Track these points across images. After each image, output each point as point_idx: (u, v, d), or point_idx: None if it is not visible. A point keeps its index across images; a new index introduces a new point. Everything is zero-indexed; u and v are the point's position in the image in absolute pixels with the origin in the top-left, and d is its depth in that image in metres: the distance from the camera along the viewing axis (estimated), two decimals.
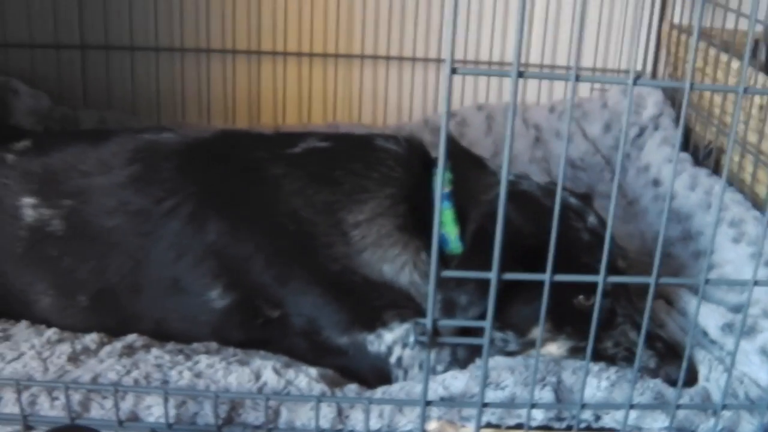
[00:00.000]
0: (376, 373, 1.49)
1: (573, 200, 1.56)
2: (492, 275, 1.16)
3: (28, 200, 1.59)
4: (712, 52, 2.16)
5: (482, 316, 1.36)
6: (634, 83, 1.17)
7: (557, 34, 2.61)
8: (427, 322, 1.18)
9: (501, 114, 2.52)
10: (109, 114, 2.53)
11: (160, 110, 2.64)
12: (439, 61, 2.64)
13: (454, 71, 1.09)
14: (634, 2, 2.60)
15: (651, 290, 1.24)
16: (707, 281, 1.25)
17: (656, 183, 2.21)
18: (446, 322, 1.35)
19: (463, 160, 1.59)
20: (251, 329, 1.53)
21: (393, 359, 1.48)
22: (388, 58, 2.63)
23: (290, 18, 2.59)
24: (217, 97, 2.65)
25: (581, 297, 1.46)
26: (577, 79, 1.16)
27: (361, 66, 2.64)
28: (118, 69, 2.61)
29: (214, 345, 1.54)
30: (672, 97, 2.42)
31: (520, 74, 1.12)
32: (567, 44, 2.61)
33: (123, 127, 1.77)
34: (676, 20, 2.52)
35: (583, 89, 2.61)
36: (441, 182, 1.10)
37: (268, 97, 2.66)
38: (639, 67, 2.63)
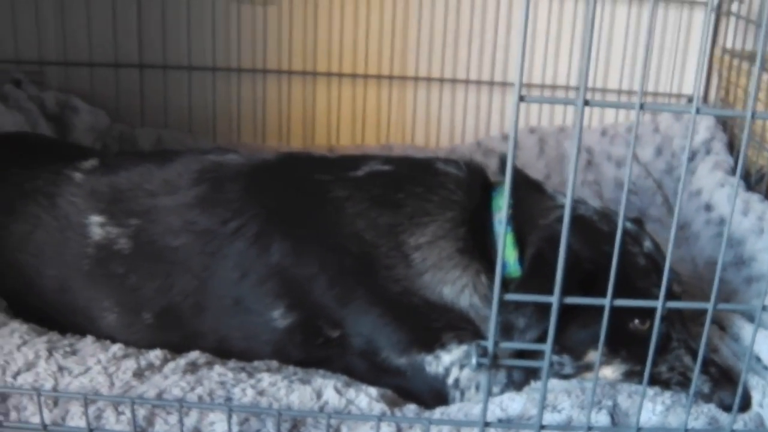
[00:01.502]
0: (433, 394, 1.50)
1: (629, 225, 1.57)
2: (554, 299, 1.18)
3: (95, 218, 1.62)
4: (766, 77, 2.16)
5: (538, 339, 1.38)
6: (698, 112, 1.18)
7: (609, 57, 2.62)
8: (489, 344, 1.19)
9: (553, 137, 2.54)
10: (165, 132, 2.58)
11: (215, 129, 2.69)
12: (492, 83, 2.66)
13: (521, 99, 1.11)
14: (686, 27, 2.60)
15: (708, 316, 1.24)
16: (765, 308, 1.25)
17: (708, 208, 2.21)
18: (507, 345, 1.36)
19: (521, 184, 1.60)
20: (311, 348, 1.55)
21: (450, 380, 1.49)
22: (441, 80, 2.66)
23: (346, 40, 2.63)
24: (272, 117, 2.69)
25: (637, 321, 1.47)
26: (642, 107, 1.18)
27: (414, 88, 2.67)
28: (176, 88, 2.66)
29: (274, 363, 1.55)
30: (723, 122, 2.42)
31: (586, 102, 1.14)
32: (619, 67, 2.63)
33: (188, 149, 1.81)
34: (729, 45, 2.52)
35: (632, 112, 2.62)
36: (507, 210, 1.12)
37: (323, 118, 2.70)
38: (690, 91, 2.64)
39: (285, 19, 2.61)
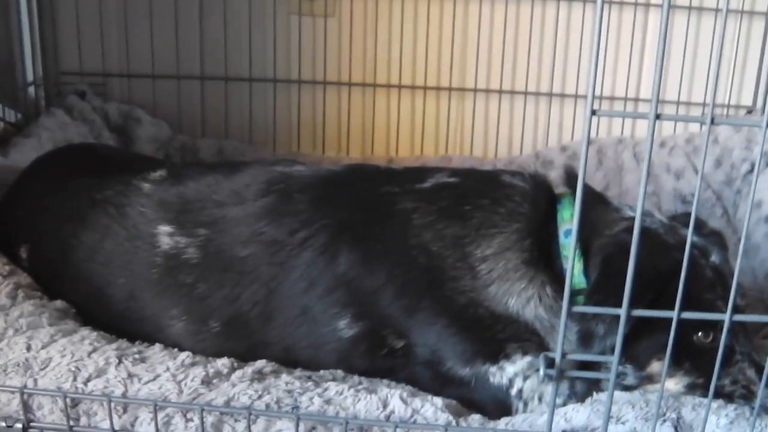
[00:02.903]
0: (496, 405, 1.51)
1: (696, 238, 1.57)
2: (622, 311, 1.18)
3: (164, 228, 1.65)
4: None
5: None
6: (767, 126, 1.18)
7: (668, 67, 2.61)
8: (556, 355, 1.20)
9: (611, 148, 2.54)
10: (226, 143, 2.63)
11: (275, 140, 2.73)
12: (550, 95, 2.67)
13: (594, 113, 1.12)
14: (745, 37, 2.59)
15: None
16: None
17: None
18: (572, 356, 1.37)
19: (586, 196, 1.61)
20: (375, 358, 1.57)
21: (514, 391, 1.50)
22: (500, 91, 2.67)
23: (405, 51, 2.65)
24: (331, 128, 2.72)
25: (701, 334, 1.46)
26: (713, 122, 1.18)
27: (473, 99, 2.68)
28: (236, 99, 2.71)
29: (340, 372, 1.57)
30: None
31: (658, 116, 1.15)
32: (677, 78, 2.62)
33: (255, 160, 1.83)
34: None
35: (693, 124, 2.62)
36: (577, 225, 1.13)
37: (382, 129, 2.72)
38: (749, 102, 2.63)
39: (345, 31, 2.64)
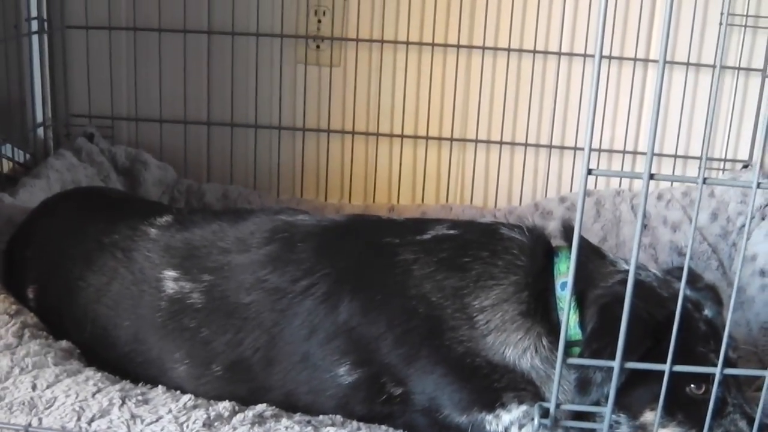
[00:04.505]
0: None
1: (690, 292, 1.60)
2: (615, 364, 1.22)
3: (169, 273, 1.69)
4: None
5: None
6: (758, 186, 1.22)
7: (666, 122, 2.66)
8: (551, 405, 1.23)
9: (609, 200, 2.57)
10: (231, 188, 2.66)
11: (279, 186, 2.76)
12: (550, 147, 2.71)
13: (590, 172, 1.16)
14: (741, 93, 2.63)
15: (766, 383, 1.27)
16: None
17: (763, 273, 2.23)
18: (566, 406, 1.41)
19: (582, 249, 1.64)
20: (374, 404, 1.59)
21: None
22: (500, 143, 2.71)
23: (408, 102, 2.71)
24: (334, 176, 2.76)
25: (693, 386, 1.49)
26: (705, 182, 1.22)
27: (474, 150, 2.72)
28: (242, 145, 2.75)
29: (339, 418, 1.59)
30: None
31: (652, 176, 1.19)
32: (675, 132, 2.66)
33: (259, 208, 1.87)
34: None
35: (691, 174, 2.66)
36: (572, 278, 1.16)
37: (384, 177, 2.76)
38: (745, 156, 2.67)
39: (349, 80, 2.69)
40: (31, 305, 1.84)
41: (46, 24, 2.62)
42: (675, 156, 2.67)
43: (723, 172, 2.67)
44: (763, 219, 2.39)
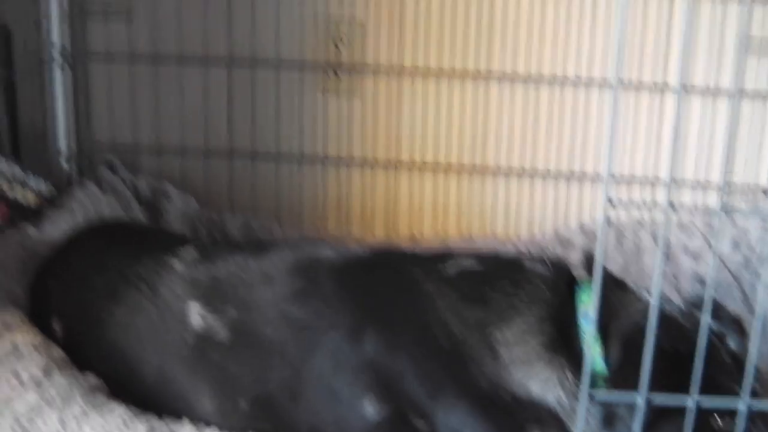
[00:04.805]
0: None
1: (712, 323, 1.60)
2: (640, 398, 1.22)
3: (195, 307, 1.70)
4: None
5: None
6: None
7: (685, 148, 2.66)
8: None
9: (630, 229, 2.57)
10: (253, 220, 2.67)
11: (302, 218, 2.77)
12: (570, 176, 2.72)
13: (610, 201, 1.17)
14: (760, 119, 2.64)
15: None
16: None
17: None
18: None
19: (605, 281, 1.65)
20: None
21: None
22: (521, 172, 2.72)
23: (428, 132, 2.72)
24: (356, 207, 2.77)
25: (717, 419, 1.49)
26: (726, 212, 1.23)
27: (494, 180, 2.73)
28: (264, 176, 2.76)
29: None
30: None
31: (672, 206, 1.20)
32: (694, 158, 2.67)
33: (283, 241, 1.88)
34: None
35: (711, 202, 2.66)
36: (595, 310, 1.17)
37: (406, 208, 2.77)
38: (765, 182, 2.66)
39: (369, 110, 2.71)
40: (57, 338, 1.85)
41: (69, 55, 2.64)
42: (695, 183, 2.67)
43: (743, 199, 2.67)
44: None
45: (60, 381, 1.69)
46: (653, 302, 1.20)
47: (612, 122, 1.09)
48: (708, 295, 1.26)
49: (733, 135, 1.24)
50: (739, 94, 2.55)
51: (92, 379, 1.74)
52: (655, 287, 1.19)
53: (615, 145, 2.58)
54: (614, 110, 1.10)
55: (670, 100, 2.63)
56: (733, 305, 2.33)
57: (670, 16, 2.60)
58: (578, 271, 1.69)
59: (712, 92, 2.64)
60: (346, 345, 1.60)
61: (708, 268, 2.45)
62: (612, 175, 2.60)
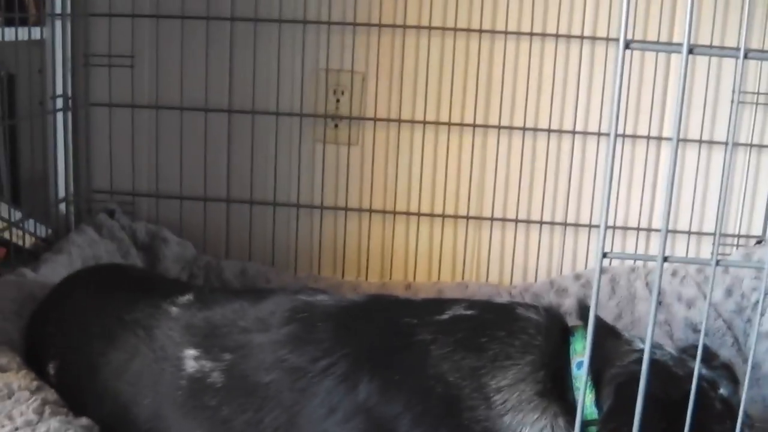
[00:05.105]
0: None
1: (705, 371, 1.61)
2: None
3: (190, 352, 1.70)
4: None
5: None
6: None
7: (679, 197, 2.69)
8: None
9: (624, 277, 2.58)
10: (249, 265, 2.69)
11: (296, 263, 2.79)
12: (564, 224, 2.74)
13: (605, 255, 1.19)
14: (754, 170, 2.66)
15: None
16: None
17: None
18: None
19: (598, 329, 1.66)
20: None
21: None
22: (516, 220, 2.74)
23: (424, 181, 2.74)
24: (351, 253, 2.78)
25: None
26: (718, 263, 1.25)
27: (490, 227, 2.75)
28: (260, 223, 2.79)
29: None
30: None
31: (666, 259, 1.21)
32: (689, 208, 2.69)
33: (279, 288, 1.90)
34: None
35: (705, 251, 2.68)
36: (588, 357, 1.18)
37: (400, 255, 2.78)
38: (759, 232, 2.68)
39: (367, 159, 2.73)
40: (52, 381, 1.85)
41: (70, 101, 2.68)
42: (689, 232, 2.69)
43: (737, 248, 2.69)
44: None
45: (54, 424, 1.68)
46: (646, 350, 1.20)
47: (609, 175, 1.11)
48: (700, 342, 1.27)
49: (725, 187, 1.26)
50: (732, 144, 2.59)
51: (86, 421, 1.73)
52: (648, 335, 1.20)
53: (610, 195, 2.63)
54: (609, 174, 1.12)
55: (666, 151, 2.66)
56: (726, 352, 2.35)
57: (667, 71, 2.64)
58: (572, 319, 1.71)
59: (707, 143, 2.67)
60: (341, 390, 1.60)
61: (701, 316, 2.46)
62: (607, 227, 2.63)
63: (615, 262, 2.70)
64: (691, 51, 1.12)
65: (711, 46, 2.59)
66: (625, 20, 1.10)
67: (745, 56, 1.13)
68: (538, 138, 2.69)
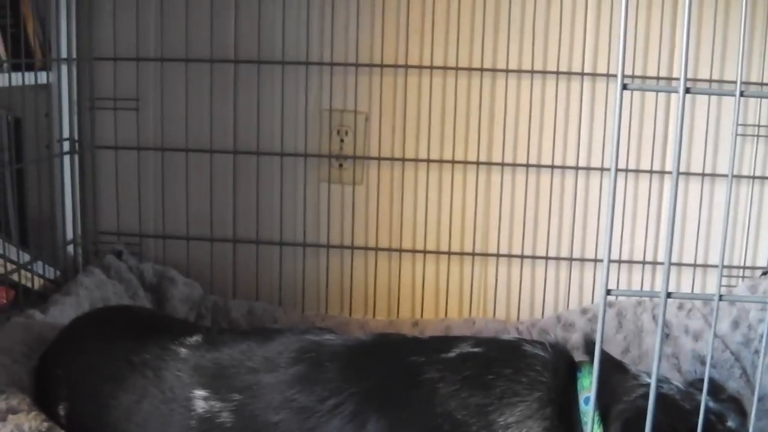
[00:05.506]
0: None
1: (712, 404, 1.62)
2: None
3: (199, 392, 1.71)
4: None
5: None
6: None
7: (684, 231, 2.70)
8: None
9: (631, 310, 2.59)
10: (256, 305, 2.70)
11: (304, 302, 2.81)
12: (571, 260, 2.75)
13: (608, 293, 1.20)
14: (758, 201, 2.68)
15: None
16: None
17: None
18: None
19: (605, 363, 1.66)
20: None
21: None
22: (521, 256, 2.75)
23: (430, 218, 2.76)
24: (358, 291, 2.80)
25: None
26: (721, 298, 1.26)
27: (496, 264, 2.76)
28: (267, 263, 2.80)
29: None
30: None
31: (669, 295, 1.22)
32: (693, 241, 2.70)
33: (287, 328, 1.90)
34: None
35: (710, 283, 2.69)
36: (594, 393, 1.19)
37: (407, 293, 2.80)
38: (764, 263, 2.69)
39: (372, 198, 2.75)
40: (62, 423, 1.85)
41: (76, 144, 2.70)
42: (695, 265, 2.70)
43: (743, 279, 2.70)
44: None
45: None
46: (652, 384, 1.21)
47: (610, 210, 1.12)
48: (707, 375, 1.27)
49: (727, 218, 1.27)
50: (732, 176, 2.60)
51: None
52: (653, 369, 1.21)
53: (615, 229, 2.63)
54: (611, 201, 1.14)
55: (669, 185, 2.67)
56: (735, 384, 2.35)
57: (668, 105, 2.66)
58: (578, 354, 1.71)
59: (709, 176, 2.69)
60: (349, 430, 1.60)
61: (707, 348, 2.46)
62: (611, 261, 2.64)
63: (621, 297, 2.71)
64: (688, 90, 1.14)
65: (710, 80, 2.61)
66: (622, 63, 1.12)
67: (742, 94, 1.15)
68: (541, 174, 2.71)
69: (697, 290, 2.70)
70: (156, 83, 2.77)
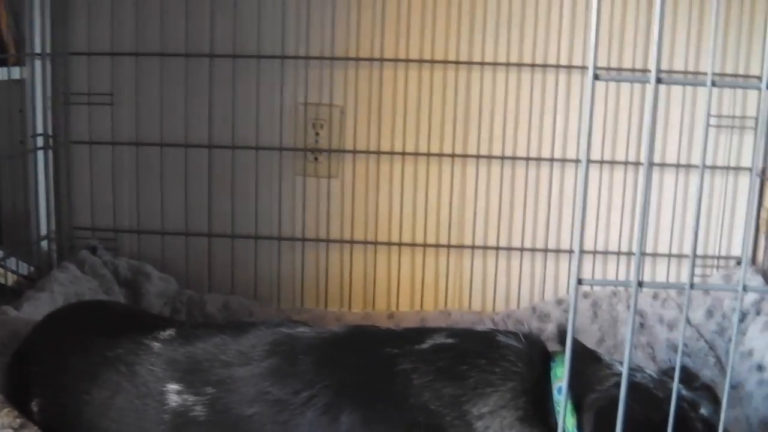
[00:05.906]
0: None
1: (685, 392, 1.63)
2: None
3: (172, 386, 1.70)
4: None
5: None
6: (744, 290, 1.26)
7: (659, 222, 2.72)
8: None
9: (606, 301, 2.60)
10: (232, 298, 2.69)
11: (279, 295, 2.80)
12: (546, 251, 2.76)
13: (580, 282, 1.20)
14: (732, 191, 2.69)
15: None
16: None
17: (760, 368, 2.25)
18: None
19: (579, 353, 1.67)
20: None
21: None
22: (497, 248, 2.76)
23: (405, 211, 2.76)
24: (334, 284, 2.80)
25: None
26: (692, 287, 1.26)
27: (471, 256, 2.77)
28: (242, 256, 2.80)
29: None
30: None
31: (640, 284, 1.23)
32: (668, 232, 2.72)
33: (260, 321, 1.90)
34: None
35: (685, 273, 2.70)
36: (567, 382, 1.19)
37: (383, 285, 2.80)
38: (739, 253, 2.71)
39: (347, 191, 2.75)
40: (36, 419, 1.84)
41: (51, 140, 2.68)
42: (669, 255, 2.71)
43: (717, 269, 2.72)
44: (758, 314, 2.42)
45: None
46: (624, 372, 1.22)
47: (582, 203, 1.13)
48: (678, 363, 1.28)
49: (698, 209, 1.28)
50: (704, 166, 2.62)
51: None
52: (625, 358, 1.22)
53: (589, 220, 2.65)
54: (584, 193, 1.14)
55: (644, 175, 2.68)
56: (709, 373, 2.37)
57: (643, 97, 2.67)
58: (553, 345, 1.72)
59: (684, 167, 2.70)
60: (323, 422, 1.60)
61: (683, 337, 2.48)
62: (585, 252, 2.65)
63: (596, 287, 2.72)
64: (659, 80, 1.14)
65: (685, 72, 2.62)
66: (594, 53, 1.12)
67: (714, 84, 1.15)
68: (516, 166, 2.72)
69: (672, 280, 2.72)
70: (131, 78, 2.75)
